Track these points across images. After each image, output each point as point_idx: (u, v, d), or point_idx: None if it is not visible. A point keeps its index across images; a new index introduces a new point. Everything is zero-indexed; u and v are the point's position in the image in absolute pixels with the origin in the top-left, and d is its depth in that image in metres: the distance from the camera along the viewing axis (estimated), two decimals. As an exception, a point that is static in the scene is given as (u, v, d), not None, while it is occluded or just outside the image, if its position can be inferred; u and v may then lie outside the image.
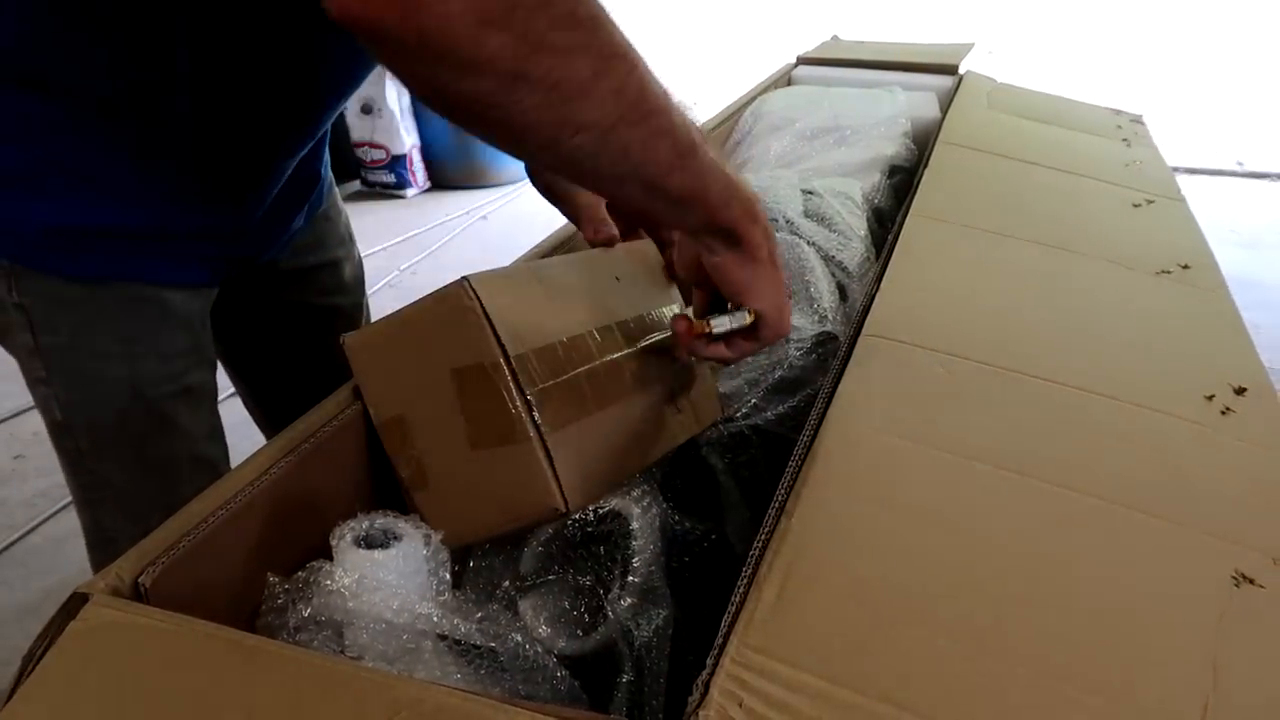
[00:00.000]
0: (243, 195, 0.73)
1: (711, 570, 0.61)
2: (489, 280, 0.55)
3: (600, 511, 0.59)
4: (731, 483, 0.68)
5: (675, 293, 0.71)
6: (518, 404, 0.53)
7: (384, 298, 2.48)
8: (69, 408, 0.72)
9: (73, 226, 0.66)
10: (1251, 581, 0.48)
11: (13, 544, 1.62)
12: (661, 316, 0.68)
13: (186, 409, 0.75)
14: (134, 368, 0.71)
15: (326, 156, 0.87)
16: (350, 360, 0.59)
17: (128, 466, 0.74)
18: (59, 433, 0.74)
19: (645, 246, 0.71)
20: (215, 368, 0.81)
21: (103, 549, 0.78)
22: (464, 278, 0.54)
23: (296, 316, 0.90)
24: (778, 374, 0.74)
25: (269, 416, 0.97)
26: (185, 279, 0.74)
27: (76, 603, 0.43)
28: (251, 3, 0.61)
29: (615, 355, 0.62)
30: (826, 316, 0.81)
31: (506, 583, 0.58)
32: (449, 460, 0.56)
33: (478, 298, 0.54)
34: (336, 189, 0.93)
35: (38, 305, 0.69)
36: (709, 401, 0.69)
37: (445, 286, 0.55)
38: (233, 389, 0.98)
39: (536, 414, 0.53)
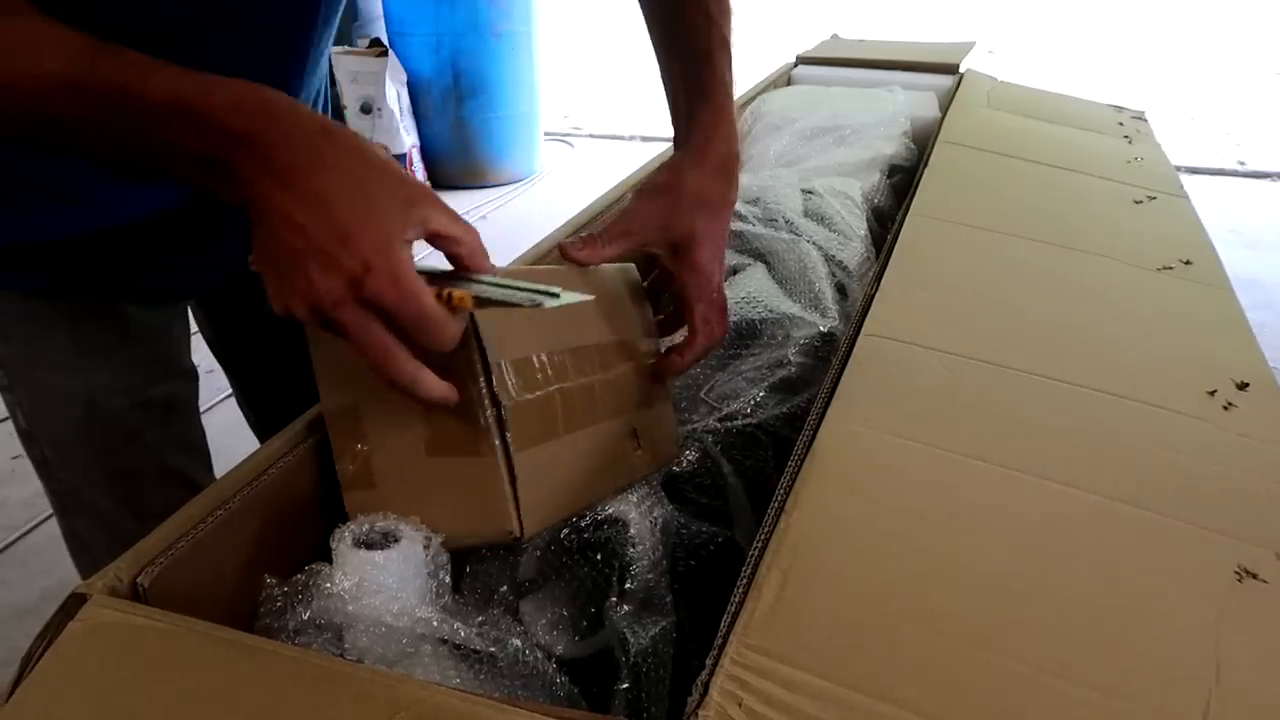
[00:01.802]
0: (199, 202, 0.70)
1: (719, 574, 0.61)
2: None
3: (599, 516, 0.58)
4: (740, 484, 0.68)
5: (650, 320, 0.68)
6: (489, 415, 0.50)
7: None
8: (32, 417, 0.72)
9: (22, 244, 0.65)
10: (1254, 576, 0.48)
11: (13, 544, 1.62)
12: (637, 344, 0.65)
13: (152, 421, 0.74)
14: (90, 380, 0.70)
15: None
16: (310, 341, 0.55)
17: (92, 477, 0.73)
18: (27, 441, 0.73)
19: (629, 271, 0.68)
20: (192, 377, 0.80)
21: (81, 554, 0.78)
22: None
23: (290, 329, 0.88)
24: (779, 374, 0.74)
25: (261, 421, 0.96)
26: (143, 291, 0.72)
27: (75, 603, 0.42)
28: None
29: (588, 379, 0.58)
30: (832, 316, 0.81)
31: (505, 587, 0.58)
32: (399, 463, 0.52)
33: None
34: None
35: None
36: (668, 442, 0.67)
37: None
38: (230, 392, 0.97)
39: (507, 429, 0.50)
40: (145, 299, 0.73)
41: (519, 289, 0.45)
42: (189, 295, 0.79)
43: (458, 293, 0.44)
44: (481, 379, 0.50)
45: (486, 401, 0.50)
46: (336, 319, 0.43)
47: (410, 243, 0.44)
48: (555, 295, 0.45)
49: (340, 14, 0.72)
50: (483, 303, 0.45)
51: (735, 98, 0.74)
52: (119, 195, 0.66)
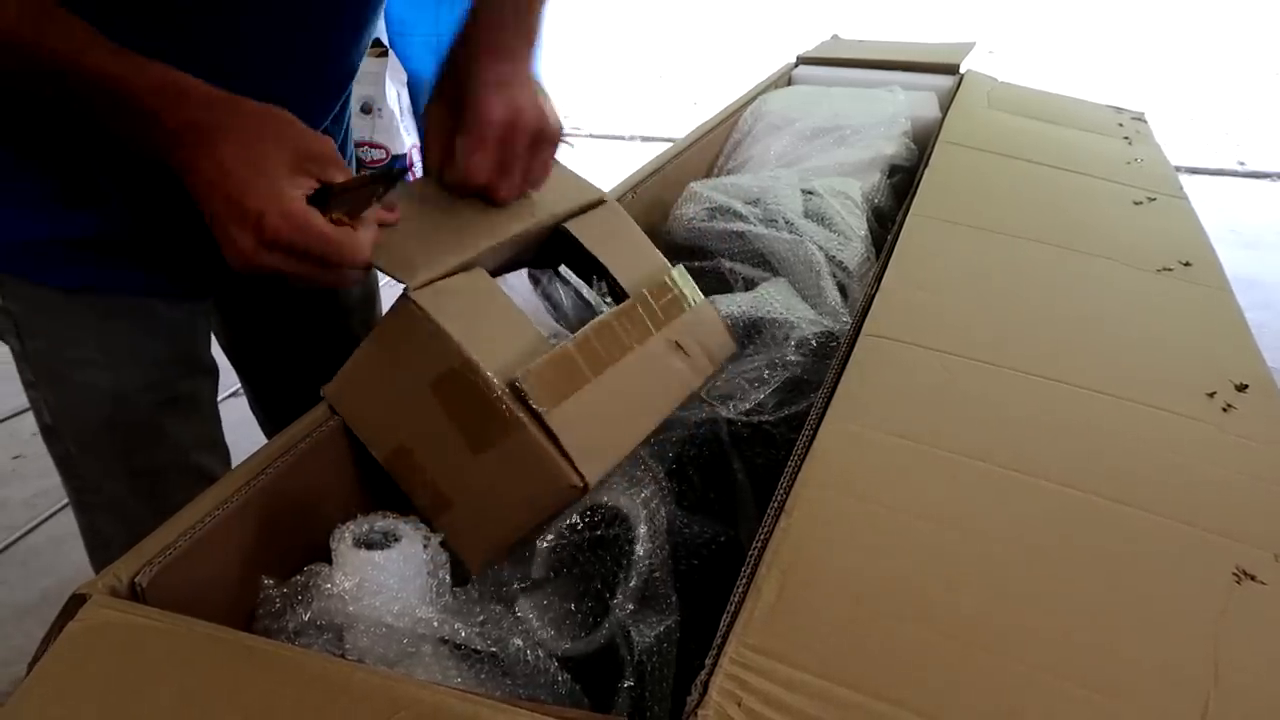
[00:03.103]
0: None
1: (723, 573, 0.61)
2: (435, 288, 0.54)
3: (606, 514, 0.58)
4: (748, 483, 0.68)
5: (648, 243, 0.70)
6: (498, 392, 0.52)
7: (386, 296, 2.47)
8: (56, 413, 0.72)
9: (49, 239, 0.66)
10: (1253, 578, 0.48)
11: (13, 544, 1.62)
12: (643, 260, 0.67)
13: (175, 418, 0.75)
14: (115, 376, 0.71)
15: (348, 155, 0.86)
16: (335, 408, 0.58)
17: (115, 473, 0.74)
18: (49, 436, 0.74)
19: (616, 211, 0.71)
20: (213, 375, 0.80)
21: (99, 552, 0.78)
22: (404, 291, 0.53)
23: (303, 328, 0.89)
24: (786, 374, 0.74)
25: (272, 421, 0.97)
26: (168, 289, 0.73)
27: (75, 604, 0.42)
28: None
29: (603, 316, 0.61)
30: (841, 315, 0.81)
31: (516, 584, 0.58)
32: (459, 474, 0.55)
33: (423, 309, 0.53)
34: None
35: (21, 310, 0.69)
36: (719, 338, 0.67)
37: (394, 304, 0.54)
38: (233, 390, 0.97)
39: (527, 398, 0.52)
40: (172, 294, 0.73)
41: (371, 180, 0.53)
42: (215, 289, 0.79)
43: (335, 213, 0.52)
44: (480, 366, 0.52)
45: (493, 382, 0.52)
46: (258, 265, 0.50)
47: (301, 189, 0.51)
48: (393, 172, 0.54)
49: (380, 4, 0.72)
50: (354, 209, 0.53)
51: (736, 97, 0.75)
52: (148, 189, 0.66)
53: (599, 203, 0.70)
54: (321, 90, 0.73)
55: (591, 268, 0.66)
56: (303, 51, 0.68)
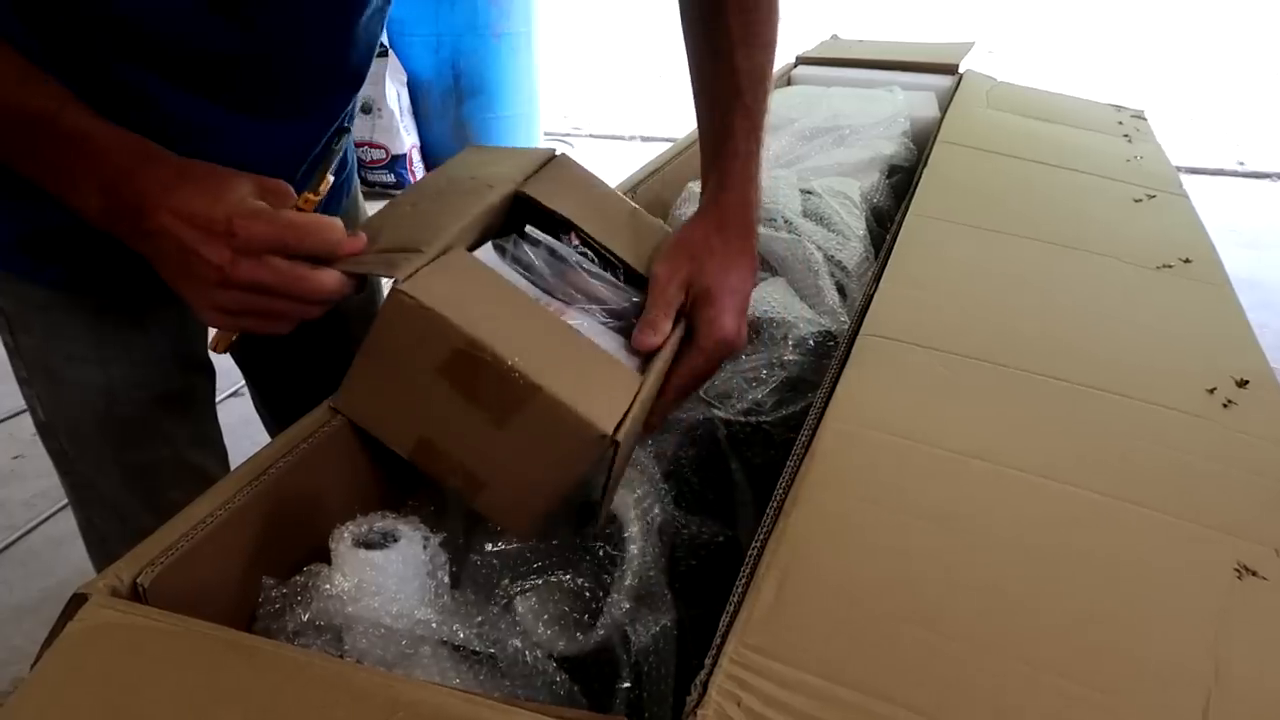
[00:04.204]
0: None
1: (723, 572, 0.61)
2: (420, 275, 0.55)
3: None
4: (746, 484, 0.68)
5: (605, 188, 0.72)
6: (509, 362, 0.52)
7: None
8: (50, 409, 0.72)
9: (37, 233, 0.66)
10: (1254, 573, 0.48)
11: (12, 544, 1.62)
12: (610, 209, 0.70)
13: (168, 415, 0.75)
14: (107, 372, 0.71)
15: (347, 160, 0.85)
16: (350, 417, 0.58)
17: (108, 469, 0.74)
18: (45, 433, 0.74)
19: (567, 163, 0.72)
20: (209, 372, 0.80)
21: (97, 548, 0.78)
22: (394, 283, 0.54)
23: (307, 328, 0.88)
24: (785, 374, 0.74)
25: (278, 420, 0.97)
26: (161, 286, 0.73)
27: (76, 604, 0.42)
28: None
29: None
30: (839, 315, 0.80)
31: (507, 580, 0.58)
32: (487, 452, 0.55)
33: (414, 297, 0.53)
34: (361, 200, 0.91)
35: (13, 306, 0.69)
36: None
37: (385, 300, 0.55)
38: (233, 390, 0.97)
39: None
40: (166, 291, 0.73)
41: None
42: None
43: (302, 196, 0.55)
44: (486, 341, 0.53)
45: (502, 354, 0.52)
46: (238, 278, 0.50)
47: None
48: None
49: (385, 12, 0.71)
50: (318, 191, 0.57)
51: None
52: None
53: (550, 158, 0.72)
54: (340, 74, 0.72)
55: (559, 225, 0.67)
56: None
